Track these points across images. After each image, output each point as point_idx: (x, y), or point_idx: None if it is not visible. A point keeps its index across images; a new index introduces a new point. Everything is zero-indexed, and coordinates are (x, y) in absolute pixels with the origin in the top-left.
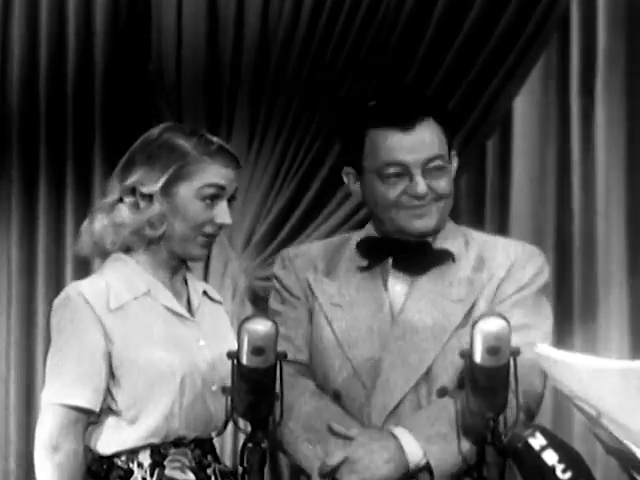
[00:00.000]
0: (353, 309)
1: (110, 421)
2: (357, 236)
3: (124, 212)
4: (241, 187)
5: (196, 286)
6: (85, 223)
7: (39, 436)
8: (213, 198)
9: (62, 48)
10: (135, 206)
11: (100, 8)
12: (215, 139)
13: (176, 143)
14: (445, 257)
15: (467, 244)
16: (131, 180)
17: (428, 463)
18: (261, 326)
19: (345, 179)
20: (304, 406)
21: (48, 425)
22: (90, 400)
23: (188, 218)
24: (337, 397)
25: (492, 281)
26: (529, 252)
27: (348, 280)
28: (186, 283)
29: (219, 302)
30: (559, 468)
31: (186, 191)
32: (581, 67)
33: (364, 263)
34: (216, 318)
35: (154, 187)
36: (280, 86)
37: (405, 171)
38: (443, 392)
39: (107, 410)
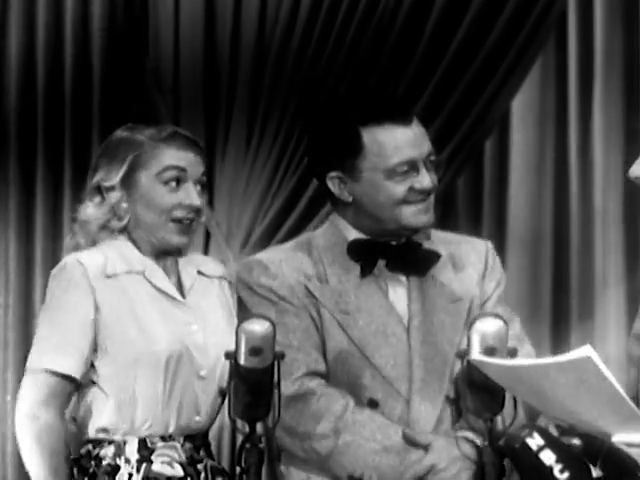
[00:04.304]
0: (362, 315)
1: (93, 395)
2: (320, 238)
3: (89, 209)
4: (239, 186)
5: (188, 266)
6: (67, 239)
7: (19, 406)
8: (176, 181)
9: (59, 48)
10: (100, 202)
11: (97, 8)
12: (171, 127)
13: (132, 137)
14: (434, 257)
15: (432, 242)
16: (95, 180)
17: None
18: (258, 326)
19: (330, 185)
20: (357, 416)
21: (29, 395)
22: (72, 367)
23: (153, 204)
24: (373, 406)
25: (478, 278)
26: (492, 248)
27: (344, 285)
28: (177, 264)
29: (217, 277)
30: (557, 468)
31: (146, 178)
32: (579, 67)
33: (354, 266)
34: (211, 296)
35: (115, 179)
36: (278, 85)
37: (412, 167)
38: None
39: (90, 384)
